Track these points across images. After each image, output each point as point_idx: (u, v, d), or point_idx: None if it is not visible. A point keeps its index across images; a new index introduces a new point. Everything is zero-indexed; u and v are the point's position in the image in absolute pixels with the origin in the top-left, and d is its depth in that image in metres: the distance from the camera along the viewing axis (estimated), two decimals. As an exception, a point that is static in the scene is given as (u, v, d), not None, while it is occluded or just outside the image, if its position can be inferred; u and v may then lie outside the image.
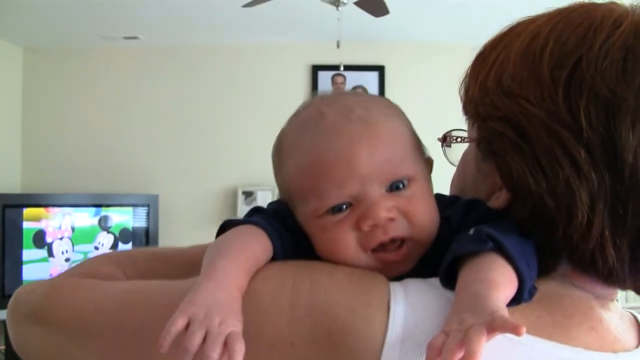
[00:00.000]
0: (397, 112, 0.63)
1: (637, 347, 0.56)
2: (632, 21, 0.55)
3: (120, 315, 0.58)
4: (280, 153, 0.63)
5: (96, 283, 0.64)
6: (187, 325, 0.47)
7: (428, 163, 0.64)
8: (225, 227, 0.60)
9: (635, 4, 0.57)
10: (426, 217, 0.59)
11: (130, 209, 3.89)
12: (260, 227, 0.58)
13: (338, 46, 3.15)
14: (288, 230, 0.60)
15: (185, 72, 4.12)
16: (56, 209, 3.69)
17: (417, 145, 0.63)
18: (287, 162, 0.61)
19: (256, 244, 0.57)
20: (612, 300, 0.59)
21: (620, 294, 0.61)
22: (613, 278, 0.55)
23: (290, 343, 0.50)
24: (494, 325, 0.43)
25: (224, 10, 3.39)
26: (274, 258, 0.58)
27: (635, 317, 0.61)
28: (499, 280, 0.49)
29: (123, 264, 0.70)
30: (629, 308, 0.65)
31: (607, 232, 0.52)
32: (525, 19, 0.61)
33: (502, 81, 0.57)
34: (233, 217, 0.62)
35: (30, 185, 4.07)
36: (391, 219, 0.57)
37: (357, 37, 3.63)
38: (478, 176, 0.63)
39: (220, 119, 4.10)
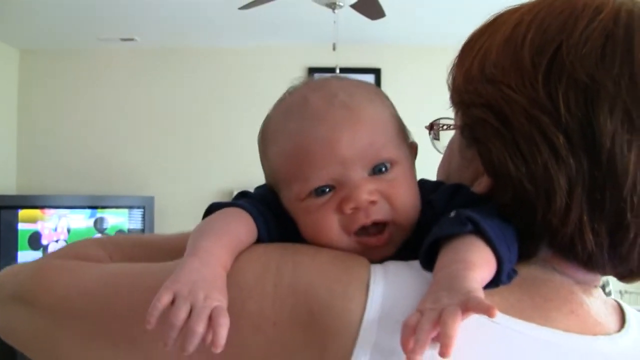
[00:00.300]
0: (380, 97, 0.63)
1: (618, 331, 0.57)
2: (613, 8, 0.55)
3: (106, 298, 0.58)
4: (266, 139, 0.64)
5: (82, 265, 0.64)
6: (173, 302, 0.47)
7: (412, 148, 0.65)
8: (211, 210, 0.61)
9: None
10: (408, 201, 0.59)
11: (125, 210, 3.89)
12: (245, 209, 0.59)
13: (334, 49, 3.15)
14: (274, 214, 0.60)
15: (182, 74, 4.12)
16: (52, 211, 3.69)
17: (401, 129, 0.63)
18: (272, 148, 0.62)
19: (240, 226, 0.57)
20: (595, 286, 0.59)
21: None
22: (592, 263, 0.55)
23: (272, 323, 0.51)
24: (469, 306, 0.43)
25: (221, 12, 3.40)
26: (259, 241, 0.58)
27: (619, 304, 0.62)
28: (477, 261, 0.49)
29: (109, 249, 0.70)
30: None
31: (585, 217, 0.52)
32: (510, 8, 0.62)
33: (486, 69, 0.57)
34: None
35: (26, 186, 4.07)
36: (373, 202, 0.57)
37: (353, 39, 3.63)
38: (462, 163, 0.63)
39: (216, 120, 4.10)
